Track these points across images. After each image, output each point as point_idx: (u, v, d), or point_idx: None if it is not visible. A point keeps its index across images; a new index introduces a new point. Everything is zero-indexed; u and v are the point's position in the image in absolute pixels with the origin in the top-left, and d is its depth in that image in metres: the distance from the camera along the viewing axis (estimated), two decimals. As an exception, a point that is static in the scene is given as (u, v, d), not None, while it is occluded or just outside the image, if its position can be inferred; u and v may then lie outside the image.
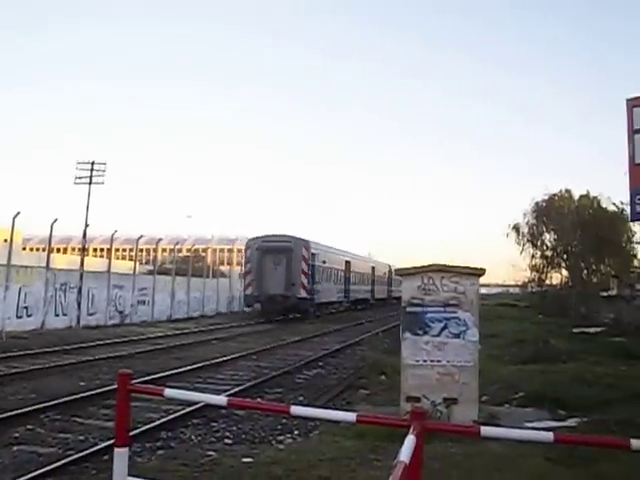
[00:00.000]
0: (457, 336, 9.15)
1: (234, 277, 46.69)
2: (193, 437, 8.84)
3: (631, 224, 29.84)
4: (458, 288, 9.19)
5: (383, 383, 12.94)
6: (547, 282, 48.48)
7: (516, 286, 69.69)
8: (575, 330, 25.94)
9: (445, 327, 9.16)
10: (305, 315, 34.66)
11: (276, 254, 33.58)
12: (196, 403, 9.78)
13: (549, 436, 3.54)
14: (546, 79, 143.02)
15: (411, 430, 3.48)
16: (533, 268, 45.75)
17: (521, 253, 46.68)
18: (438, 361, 9.18)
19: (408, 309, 9.35)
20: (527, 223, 45.15)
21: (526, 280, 53.49)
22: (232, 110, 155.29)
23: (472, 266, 9.51)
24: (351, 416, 4.06)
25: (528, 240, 44.89)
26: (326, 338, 24.39)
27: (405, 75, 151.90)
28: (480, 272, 9.43)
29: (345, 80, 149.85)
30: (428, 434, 7.44)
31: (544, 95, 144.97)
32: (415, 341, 9.27)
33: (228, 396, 10.51)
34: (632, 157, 14.09)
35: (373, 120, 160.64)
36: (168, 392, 4.61)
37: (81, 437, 8.51)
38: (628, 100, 14.35)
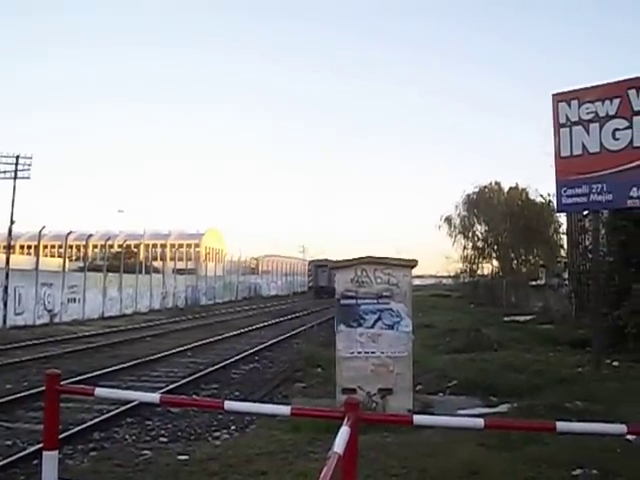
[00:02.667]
0: (391, 327, 9.25)
1: (168, 273, 46.10)
2: (127, 437, 8.69)
3: (557, 215, 30.72)
4: (391, 280, 9.29)
5: (319, 376, 13.00)
6: (479, 272, 49.79)
7: (449, 277, 71.30)
8: (506, 319, 26.64)
9: (379, 319, 9.25)
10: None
11: (323, 267, 53.59)
12: (129, 402, 9.62)
13: (479, 422, 3.63)
14: (476, 72, 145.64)
15: (345, 421, 3.50)
16: (465, 259, 46.94)
17: (453, 244, 47.91)
18: (372, 352, 9.26)
19: (342, 302, 9.40)
20: (458, 215, 46.35)
21: (458, 271, 54.90)
22: (159, 103, 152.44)
23: (404, 258, 9.66)
24: (285, 409, 4.06)
25: (460, 232, 46.08)
26: (263, 332, 24.37)
27: (331, 64, 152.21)
28: (412, 264, 9.56)
29: (262, 75, 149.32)
30: (365, 425, 7.59)
31: (474, 88, 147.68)
32: (349, 333, 9.33)
33: (162, 394, 10.40)
34: (558, 150, 14.53)
35: (298, 113, 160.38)
36: (98, 391, 4.51)
37: (8, 442, 8.24)
38: (554, 95, 14.78)
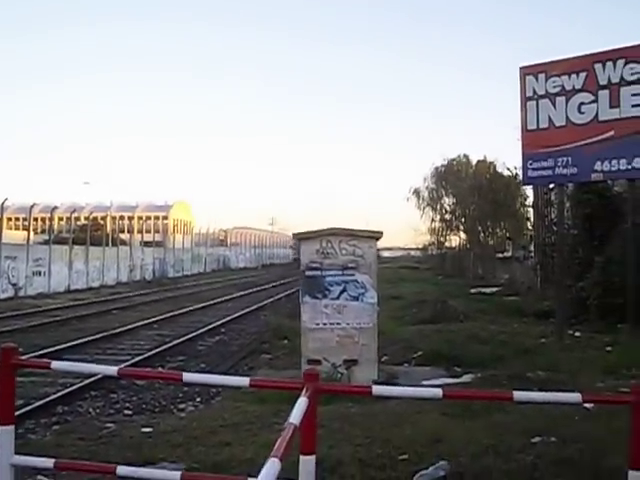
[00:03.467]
0: (356, 299, 9.30)
1: (135, 245, 45.71)
2: (91, 410, 8.64)
3: (524, 188, 30.98)
4: (356, 251, 9.32)
5: (285, 347, 13.04)
6: (447, 245, 50.20)
7: (418, 249, 71.94)
8: (472, 291, 26.91)
9: (344, 290, 9.30)
10: None
11: None
12: (93, 375, 9.54)
13: (438, 392, 3.64)
14: (443, 46, 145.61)
15: (303, 392, 3.49)
16: (433, 232, 47.22)
17: (421, 217, 48.12)
18: (338, 324, 9.32)
19: (307, 273, 9.42)
20: (427, 188, 46.52)
21: (427, 243, 55.31)
22: (124, 71, 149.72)
23: (370, 229, 9.67)
24: (244, 381, 4.04)
25: (428, 204, 46.30)
26: (229, 304, 24.34)
27: (303, 29, 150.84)
28: (377, 235, 9.59)
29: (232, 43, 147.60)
30: (329, 396, 7.64)
31: (443, 59, 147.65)
32: (315, 305, 9.36)
33: (125, 366, 10.37)
34: (525, 123, 14.60)
35: (266, 80, 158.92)
36: (55, 364, 4.45)
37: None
38: (521, 68, 14.80)
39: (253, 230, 77.27)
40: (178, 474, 4.00)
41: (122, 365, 11.03)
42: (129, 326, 16.75)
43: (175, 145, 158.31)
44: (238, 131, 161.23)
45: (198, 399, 9.25)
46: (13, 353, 4.11)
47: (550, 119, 14.00)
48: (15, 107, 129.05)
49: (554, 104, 13.98)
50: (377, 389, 3.72)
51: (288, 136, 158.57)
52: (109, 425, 7.67)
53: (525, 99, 14.52)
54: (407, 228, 59.86)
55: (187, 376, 4.04)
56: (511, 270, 31.38)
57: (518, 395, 3.64)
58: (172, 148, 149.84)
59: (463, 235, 45.89)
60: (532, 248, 27.18)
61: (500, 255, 38.22)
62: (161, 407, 8.85)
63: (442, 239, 49.05)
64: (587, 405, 6.77)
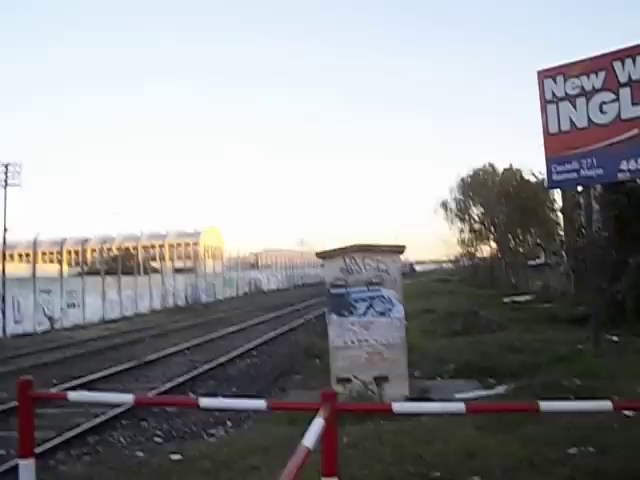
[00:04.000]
0: (382, 314, 9.18)
1: (167, 272, 46.01)
2: (122, 439, 8.59)
3: (552, 193, 30.57)
4: (380, 266, 9.20)
5: (317, 367, 12.88)
6: (478, 255, 49.67)
7: (449, 262, 71.37)
8: (505, 300, 26.57)
9: (370, 306, 9.18)
10: None
11: None
12: (115, 405, 9.45)
13: (461, 407, 3.50)
14: (464, 55, 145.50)
15: (320, 412, 3.38)
16: (462, 242, 46.76)
17: (450, 229, 47.76)
18: (366, 340, 9.20)
19: (332, 291, 9.31)
20: (454, 199, 46.16)
21: (458, 255, 54.80)
22: (145, 102, 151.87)
23: (392, 244, 9.56)
24: (261, 403, 3.94)
25: (456, 215, 45.94)
26: (261, 327, 24.23)
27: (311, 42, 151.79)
28: (400, 249, 9.49)
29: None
30: (363, 415, 7.49)
31: (464, 72, 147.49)
32: (341, 322, 9.25)
33: (157, 394, 10.35)
34: (546, 127, 14.39)
35: (294, 105, 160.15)
36: (71, 395, 4.39)
37: (2, 451, 8.13)
38: (539, 72, 14.62)
39: (283, 252, 77.41)
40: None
41: (153, 392, 11.09)
42: (161, 353, 16.75)
43: (202, 171, 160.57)
44: (263, 152, 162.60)
45: (229, 423, 9.16)
46: (29, 386, 4.07)
47: (571, 121, 13.77)
48: (41, 143, 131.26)
49: (574, 106, 13.75)
50: (397, 406, 3.59)
51: (313, 155, 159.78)
52: (138, 454, 7.62)
53: (545, 103, 14.31)
54: (438, 241, 59.37)
55: (203, 401, 3.95)
56: (544, 277, 30.92)
57: (545, 405, 3.48)
58: (199, 174, 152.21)
59: (493, 244, 45.41)
60: (564, 254, 26.75)
61: (532, 263, 37.69)
62: (191, 433, 8.78)
63: (472, 250, 48.60)
64: (627, 412, 6.55)
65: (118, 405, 9.45)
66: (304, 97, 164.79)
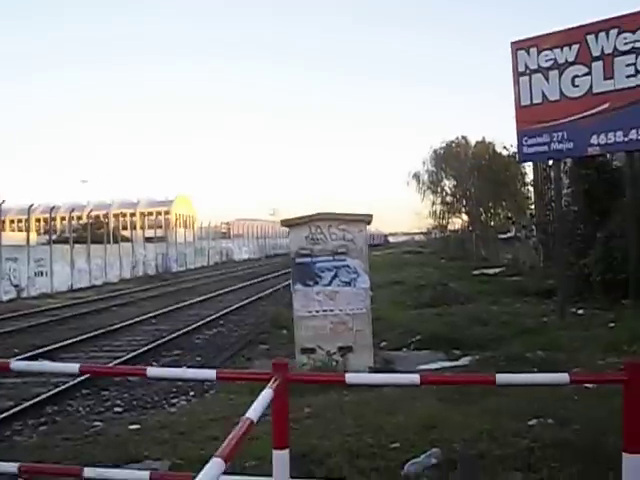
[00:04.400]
0: (348, 284, 9.11)
1: (138, 242, 45.52)
2: (80, 409, 8.44)
3: (523, 166, 30.65)
4: (346, 236, 9.11)
5: (283, 337, 12.84)
6: (449, 228, 49.92)
7: (421, 233, 71.71)
8: (475, 272, 26.73)
9: (335, 276, 9.11)
10: None
11: None
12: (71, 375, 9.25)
13: (415, 378, 3.40)
14: (438, 25, 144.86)
15: (270, 383, 3.26)
16: (434, 215, 46.87)
17: (422, 200, 47.77)
18: (331, 310, 9.14)
19: (297, 260, 9.22)
20: (426, 171, 46.11)
21: (430, 227, 55.01)
22: (118, 65, 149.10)
23: (360, 213, 9.44)
24: (211, 374, 3.82)
25: (428, 187, 45.92)
26: (230, 296, 24.14)
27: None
28: (367, 218, 9.39)
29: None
30: (327, 385, 7.41)
31: (438, 42, 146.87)
32: (306, 292, 9.18)
33: (119, 363, 10.22)
34: (518, 99, 14.34)
35: (264, 71, 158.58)
36: (15, 365, 4.23)
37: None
38: (512, 43, 14.53)
39: (255, 221, 77.00)
40: (147, 474, 3.79)
41: (115, 362, 10.93)
42: (127, 322, 16.56)
43: (173, 139, 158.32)
44: (236, 122, 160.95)
45: (192, 393, 9.06)
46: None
47: (544, 94, 13.76)
48: (6, 109, 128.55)
49: (547, 78, 13.72)
50: (351, 377, 3.48)
51: (285, 125, 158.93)
52: (97, 424, 7.49)
53: (518, 75, 14.26)
54: (410, 213, 59.43)
55: (152, 370, 3.83)
56: (514, 250, 31.17)
57: (501, 378, 3.39)
58: (170, 142, 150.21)
59: (465, 217, 45.61)
60: (533, 227, 26.89)
61: (503, 236, 37.93)
62: (153, 403, 8.66)
63: (444, 222, 48.78)
64: (587, 385, 6.56)
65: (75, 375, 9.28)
66: (276, 64, 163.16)
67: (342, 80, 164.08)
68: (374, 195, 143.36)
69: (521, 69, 14.18)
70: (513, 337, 11.05)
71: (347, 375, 3.47)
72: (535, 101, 13.90)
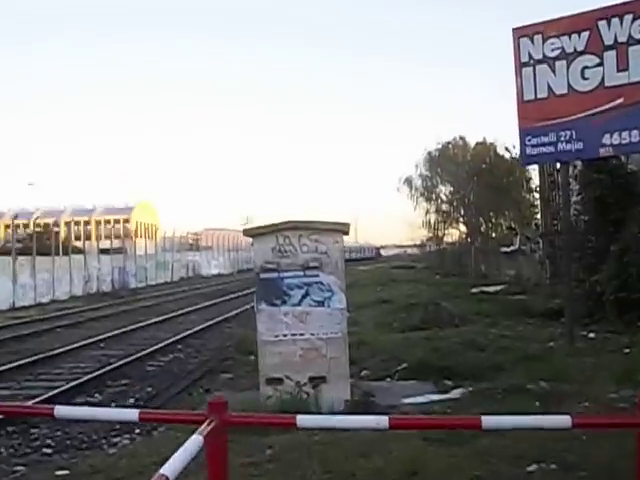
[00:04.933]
0: (321, 304, 8.83)
1: (92, 253, 45.12)
2: (2, 450, 8.07)
3: (528, 171, 30.66)
4: (319, 247, 8.84)
5: (250, 364, 12.51)
6: (446, 240, 49.84)
7: (414, 246, 71.71)
8: (473, 290, 26.62)
9: (307, 294, 8.82)
10: None
11: None
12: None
13: (382, 421, 3.12)
14: (432, 12, 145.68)
15: (202, 427, 2.97)
16: (428, 225, 46.82)
17: (415, 209, 47.68)
18: (301, 334, 8.85)
19: (262, 275, 8.93)
20: (420, 175, 46.11)
21: (424, 239, 54.94)
22: (72, 57, 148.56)
23: (334, 221, 9.19)
24: (132, 414, 3.54)
25: (421, 194, 45.88)
26: (192, 316, 23.98)
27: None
28: (344, 228, 9.15)
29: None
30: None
31: (433, 34, 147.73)
32: (272, 313, 8.88)
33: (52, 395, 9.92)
34: (520, 93, 14.16)
35: (240, 67, 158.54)
36: None
37: None
38: (514, 29, 14.36)
39: (227, 232, 76.68)
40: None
41: (51, 393, 10.57)
42: (72, 346, 16.23)
43: (136, 139, 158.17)
44: (204, 123, 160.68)
45: (137, 431, 8.71)
46: None
47: (549, 87, 13.56)
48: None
49: (553, 70, 13.53)
50: (303, 420, 3.19)
51: (262, 126, 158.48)
52: (19, 468, 7.13)
53: (520, 65, 14.06)
54: (402, 223, 59.00)
55: (61, 410, 3.50)
56: (517, 265, 31.11)
57: (489, 421, 3.12)
58: (132, 143, 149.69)
59: (463, 228, 45.60)
60: (539, 239, 26.84)
61: (505, 249, 37.93)
62: (90, 443, 8.31)
63: (440, 234, 48.74)
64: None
65: None
66: (256, 59, 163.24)
67: (324, 76, 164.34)
68: (362, 204, 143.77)
69: (524, 59, 13.99)
70: (513, 365, 10.83)
71: (299, 417, 3.19)
72: (540, 95, 13.71)
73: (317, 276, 8.82)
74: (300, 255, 8.85)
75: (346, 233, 9.25)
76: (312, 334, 8.83)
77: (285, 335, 8.87)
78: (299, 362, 8.83)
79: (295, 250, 8.86)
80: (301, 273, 8.83)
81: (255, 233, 9.19)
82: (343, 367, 8.90)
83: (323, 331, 8.82)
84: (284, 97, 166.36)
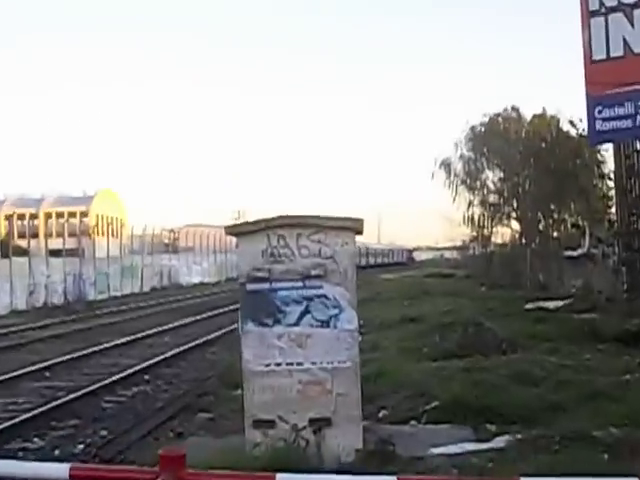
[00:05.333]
0: (325, 324, 8.85)
1: (40, 255, 45.33)
2: None
3: (600, 151, 30.57)
4: (324, 251, 8.84)
5: (237, 400, 12.52)
6: (496, 240, 49.62)
7: (453, 248, 71.62)
8: (529, 306, 26.53)
9: (307, 311, 8.84)
10: None
11: None
12: None
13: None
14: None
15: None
16: (471, 222, 46.61)
17: (454, 200, 47.43)
18: (299, 363, 8.85)
19: (249, 287, 8.95)
20: (461, 157, 45.88)
21: (466, 240, 54.73)
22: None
23: (344, 217, 9.14)
24: (60, 469, 3.48)
25: (462, 181, 45.66)
26: (166, 338, 24.21)
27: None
28: (356, 225, 9.10)
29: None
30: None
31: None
32: (262, 335, 8.90)
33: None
34: (588, 51, 14.15)
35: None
36: None
37: None
38: (581, -31, 14.36)
39: (213, 229, 76.86)
40: None
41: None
42: (7, 375, 16.38)
43: (98, 116, 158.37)
44: (184, 94, 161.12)
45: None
46: None
47: (626, 43, 13.59)
48: None
49: (631, 20, 13.53)
50: (282, 478, 3.11)
51: (261, 94, 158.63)
52: None
53: (588, 15, 14.08)
54: (438, 219, 57.78)
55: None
56: (585, 274, 30.99)
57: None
58: (93, 120, 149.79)
59: (516, 225, 45.42)
60: (614, 240, 26.75)
61: (570, 253, 37.80)
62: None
63: (486, 232, 48.49)
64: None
65: None
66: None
67: (349, 44, 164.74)
68: (388, 196, 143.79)
69: (593, 7, 14.03)
70: (576, 405, 10.80)
71: (278, 476, 3.10)
72: (613, 54, 13.75)
73: (320, 288, 8.82)
74: (298, 260, 8.85)
75: (359, 232, 9.20)
76: (313, 363, 8.83)
77: (278, 364, 8.86)
78: (296, 399, 8.82)
79: (292, 254, 8.86)
80: (300, 284, 8.84)
81: (240, 231, 9.21)
82: (354, 406, 8.89)
83: (328, 359, 8.81)
84: (291, 62, 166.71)
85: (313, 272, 8.83)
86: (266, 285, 8.87)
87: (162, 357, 18.97)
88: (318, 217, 9.13)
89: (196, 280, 65.65)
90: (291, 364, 8.85)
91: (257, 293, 8.91)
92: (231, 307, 33.99)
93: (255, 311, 8.92)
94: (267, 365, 8.88)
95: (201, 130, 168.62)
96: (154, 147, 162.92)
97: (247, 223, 9.33)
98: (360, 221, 9.18)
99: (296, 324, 8.85)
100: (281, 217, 9.03)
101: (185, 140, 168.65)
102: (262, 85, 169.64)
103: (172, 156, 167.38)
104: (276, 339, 8.87)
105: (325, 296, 8.82)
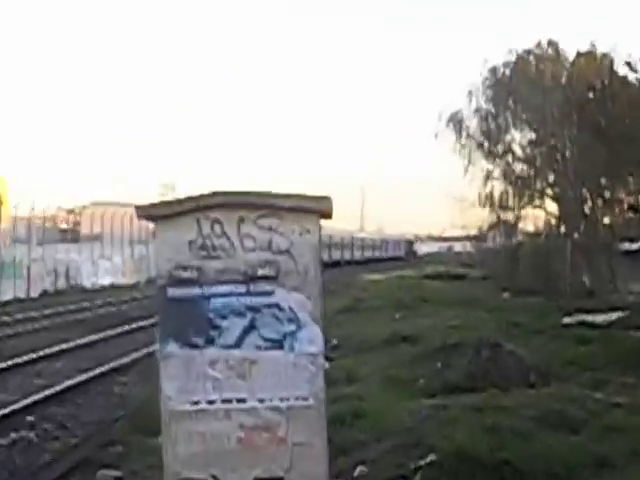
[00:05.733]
0: (278, 345, 8.79)
1: None
2: None
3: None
4: (276, 242, 8.79)
5: (156, 452, 12.58)
6: (522, 228, 49.73)
7: (465, 238, 71.76)
8: (567, 320, 26.76)
9: (252, 327, 8.79)
10: None
11: None
12: None
13: None
14: None
15: None
16: (490, 201, 46.67)
17: (466, 172, 47.35)
18: (240, 400, 8.82)
19: (171, 292, 8.87)
20: (477, 111, 45.88)
21: (483, 226, 54.65)
22: None
23: (305, 194, 9.09)
24: None
25: (479, 145, 45.70)
26: (58, 364, 24.25)
27: None
28: (321, 206, 9.02)
29: None
30: None
31: None
32: (189, 360, 8.84)
33: None
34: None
35: None
36: None
37: None
38: None
39: (130, 208, 76.85)
40: None
41: None
42: None
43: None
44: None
45: None
46: None
47: None
48: None
49: None
50: None
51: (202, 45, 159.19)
52: None
53: None
54: (444, 198, 55.71)
55: None
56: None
57: None
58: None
59: (552, 207, 45.61)
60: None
61: (627, 246, 38.16)
62: None
63: (511, 217, 48.53)
64: None
65: None
66: None
67: None
68: (375, 166, 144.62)
69: None
70: (629, 460, 10.94)
71: None
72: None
73: (271, 294, 8.79)
74: (240, 255, 8.80)
75: (326, 216, 9.15)
76: (261, 401, 8.81)
77: (212, 402, 8.84)
78: (237, 452, 8.82)
79: (232, 246, 8.81)
80: (242, 288, 8.81)
81: (158, 214, 9.12)
82: (318, 460, 8.88)
83: (281, 395, 8.80)
84: None
85: (261, 272, 8.78)
86: (195, 290, 8.84)
87: (53, 391, 18.97)
88: (269, 194, 9.04)
89: (105, 281, 65.80)
90: (229, 401, 8.84)
91: (182, 301, 8.86)
92: (150, 321, 34.25)
93: (179, 326, 8.86)
94: (196, 403, 8.84)
95: (111, 82, 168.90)
96: (49, 105, 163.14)
97: (168, 202, 9.23)
98: (327, 199, 9.08)
99: (237, 345, 8.81)
100: (216, 194, 8.93)
101: (94, 92, 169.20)
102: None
103: (70, 113, 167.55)
104: (208, 366, 8.84)
105: (278, 306, 8.79)
